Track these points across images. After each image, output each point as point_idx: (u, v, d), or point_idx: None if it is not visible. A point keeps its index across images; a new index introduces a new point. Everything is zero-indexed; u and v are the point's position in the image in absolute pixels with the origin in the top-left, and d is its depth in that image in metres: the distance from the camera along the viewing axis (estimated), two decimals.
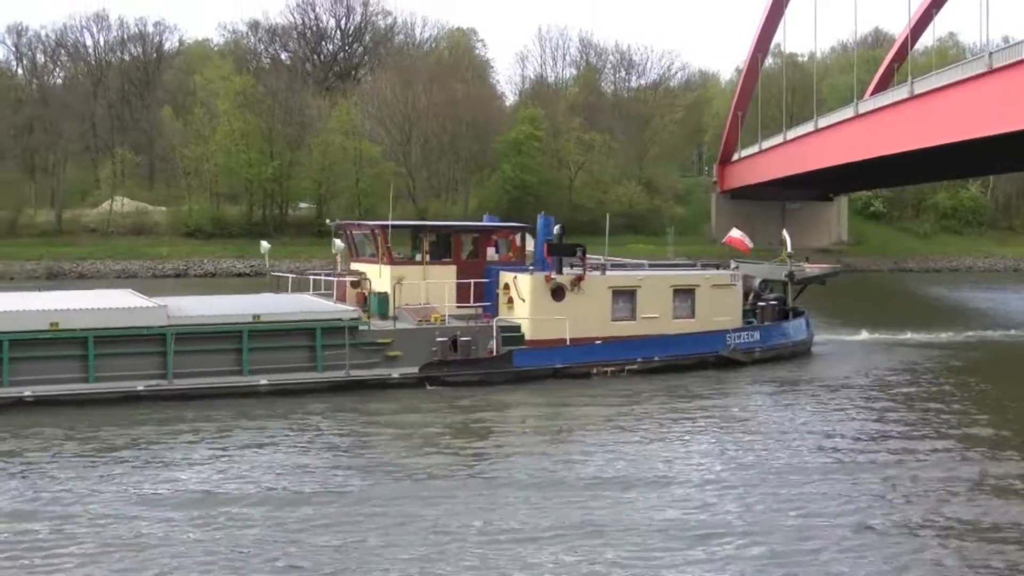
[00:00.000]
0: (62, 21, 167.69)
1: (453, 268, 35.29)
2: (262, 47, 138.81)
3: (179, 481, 21.00)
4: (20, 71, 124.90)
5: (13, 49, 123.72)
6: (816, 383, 34.08)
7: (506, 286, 34.92)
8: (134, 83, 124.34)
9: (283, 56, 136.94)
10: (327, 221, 42.09)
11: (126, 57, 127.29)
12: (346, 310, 32.38)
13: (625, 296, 35.83)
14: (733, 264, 40.40)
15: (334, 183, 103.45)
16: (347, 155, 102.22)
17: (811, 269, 43.60)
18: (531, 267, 35.26)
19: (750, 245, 42.34)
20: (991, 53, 52.51)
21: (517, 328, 33.83)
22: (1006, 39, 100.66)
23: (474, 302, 34.79)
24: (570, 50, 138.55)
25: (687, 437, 25.77)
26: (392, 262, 34.85)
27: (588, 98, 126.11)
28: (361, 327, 31.64)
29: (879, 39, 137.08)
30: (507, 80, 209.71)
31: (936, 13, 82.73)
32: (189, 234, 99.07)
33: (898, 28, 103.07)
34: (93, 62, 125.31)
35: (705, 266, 41.07)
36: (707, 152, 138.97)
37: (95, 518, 18.52)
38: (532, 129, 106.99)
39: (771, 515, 19.13)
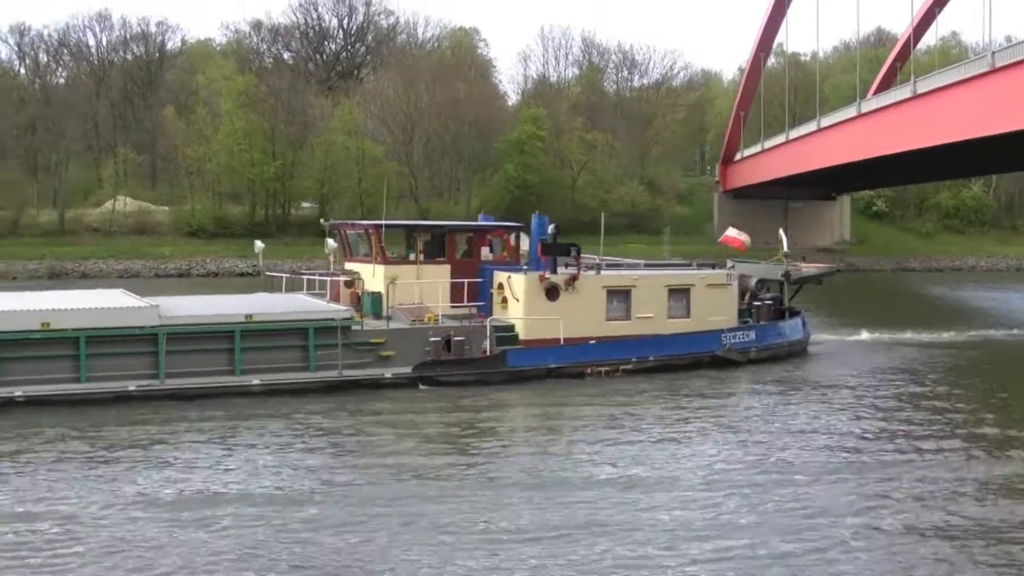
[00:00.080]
0: (65, 21, 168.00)
1: (447, 268, 35.21)
2: (265, 47, 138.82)
3: (177, 482, 20.91)
4: (23, 71, 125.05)
5: (16, 49, 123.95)
6: (810, 383, 34.02)
7: (500, 286, 34.86)
8: (137, 83, 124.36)
9: (286, 56, 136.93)
10: (321, 221, 42.01)
11: (129, 57, 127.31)
12: (339, 310, 32.32)
13: (620, 296, 35.75)
14: (729, 263, 40.34)
15: (336, 183, 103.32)
16: (349, 155, 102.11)
17: (807, 269, 43.52)
18: (525, 267, 35.20)
19: (747, 241, 42.23)
20: (994, 52, 52.39)
21: (511, 328, 33.79)
22: (1008, 38, 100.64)
23: (468, 302, 34.66)
24: (572, 50, 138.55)
25: (684, 437, 25.67)
26: (386, 262, 34.79)
27: (590, 98, 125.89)
28: (354, 327, 31.59)
29: (881, 38, 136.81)
30: (509, 80, 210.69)
31: (939, 12, 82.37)
32: (192, 234, 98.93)
33: (901, 27, 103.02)
34: (96, 62, 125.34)
35: (701, 265, 40.96)
36: (709, 152, 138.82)
37: (97, 519, 18.48)
38: (534, 129, 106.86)
39: (775, 515, 19.12)
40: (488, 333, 33.00)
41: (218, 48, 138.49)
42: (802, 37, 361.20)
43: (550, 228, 35.18)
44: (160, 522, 18.30)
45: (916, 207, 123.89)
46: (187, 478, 21.23)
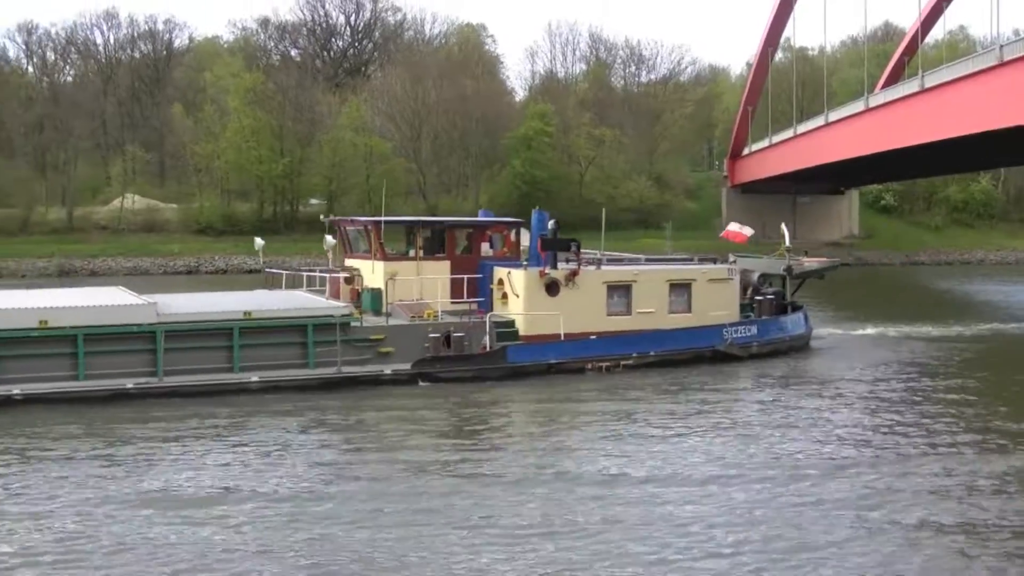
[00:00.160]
0: (72, 19, 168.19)
1: (447, 264, 35.16)
2: (272, 44, 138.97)
3: (181, 480, 20.81)
4: (31, 69, 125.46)
5: (23, 47, 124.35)
6: (812, 377, 33.96)
7: (500, 281, 34.78)
8: (144, 80, 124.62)
9: (293, 53, 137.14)
10: (321, 218, 41.97)
11: (136, 54, 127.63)
12: (337, 306, 32.26)
13: (620, 291, 35.65)
14: (731, 258, 40.23)
15: (344, 179, 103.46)
16: (357, 151, 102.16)
17: (810, 263, 43.33)
18: (525, 262, 35.13)
19: (748, 234, 42.13)
20: (1002, 46, 52.08)
21: (511, 324, 33.72)
22: (1016, 32, 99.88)
23: (468, 298, 34.61)
24: (580, 45, 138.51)
25: (688, 432, 25.47)
26: (385, 258, 34.76)
27: (598, 93, 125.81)
28: (353, 323, 31.53)
29: (889, 33, 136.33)
30: (517, 76, 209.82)
31: (946, 6, 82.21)
32: (200, 231, 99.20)
33: (908, 22, 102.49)
34: (103, 60, 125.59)
35: (702, 260, 40.82)
36: (717, 147, 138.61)
37: (108, 517, 18.37)
38: (542, 125, 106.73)
39: (790, 509, 18.98)
40: (488, 329, 32.91)
41: (225, 45, 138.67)
42: (809, 32, 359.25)
43: (550, 223, 35.06)
44: (169, 520, 18.19)
45: (925, 201, 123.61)
46: (191, 476, 21.14)
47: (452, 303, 34.31)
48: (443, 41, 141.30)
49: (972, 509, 19.04)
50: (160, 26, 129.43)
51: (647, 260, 40.85)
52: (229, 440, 24.39)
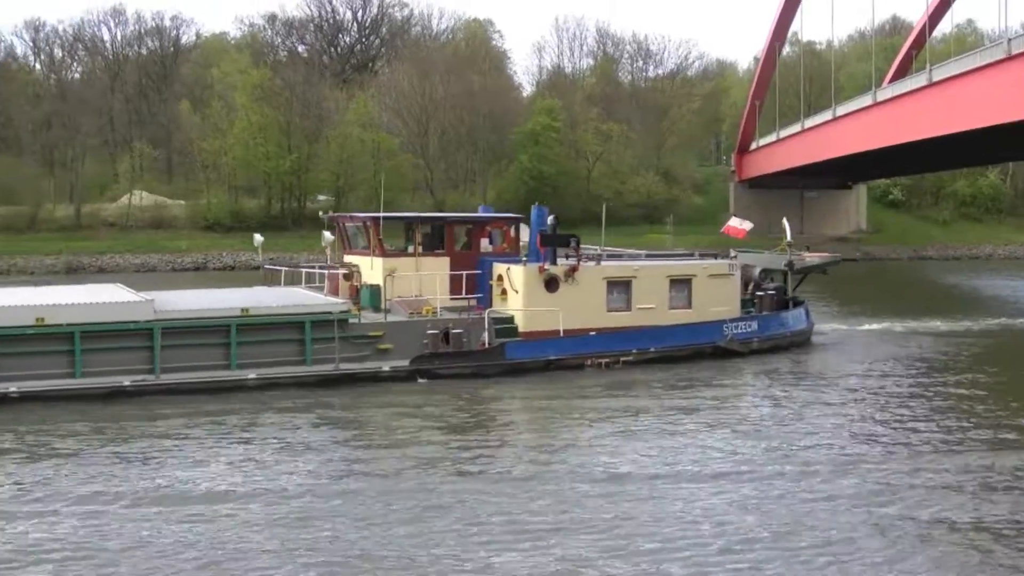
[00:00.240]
0: (79, 16, 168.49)
1: (446, 260, 35.03)
2: (279, 40, 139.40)
3: (183, 478, 20.74)
4: (38, 66, 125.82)
5: (31, 44, 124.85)
6: (812, 373, 33.87)
7: (499, 277, 34.68)
8: (151, 77, 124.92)
9: (300, 49, 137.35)
10: (320, 214, 41.93)
11: (143, 51, 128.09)
12: (336, 303, 32.19)
13: (620, 287, 35.51)
14: (732, 253, 40.04)
15: (352, 175, 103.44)
16: (365, 147, 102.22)
17: (811, 258, 43.18)
18: (525, 258, 35.02)
19: (747, 229, 41.97)
20: (1010, 40, 51.78)
21: (510, 320, 33.63)
22: None
23: (467, 294, 34.45)
24: (587, 40, 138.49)
25: (691, 428, 25.34)
26: (384, 254, 34.66)
27: (605, 88, 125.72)
28: (351, 320, 31.45)
29: (897, 27, 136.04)
30: (524, 71, 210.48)
31: (954, 0, 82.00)
32: (208, 227, 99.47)
33: (916, 15, 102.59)
34: (110, 56, 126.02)
35: (703, 256, 40.65)
36: (725, 141, 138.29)
37: (114, 516, 18.33)
38: (549, 120, 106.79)
39: (799, 505, 18.91)
40: (487, 325, 32.79)
41: (232, 42, 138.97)
42: (817, 26, 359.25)
43: (549, 219, 34.94)
44: (180, 518, 18.14)
45: (933, 195, 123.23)
46: (199, 473, 21.07)
47: (451, 299, 34.20)
48: (450, 36, 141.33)
49: (985, 505, 18.90)
50: (167, 22, 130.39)
51: (647, 256, 40.69)
52: (234, 437, 24.32)
